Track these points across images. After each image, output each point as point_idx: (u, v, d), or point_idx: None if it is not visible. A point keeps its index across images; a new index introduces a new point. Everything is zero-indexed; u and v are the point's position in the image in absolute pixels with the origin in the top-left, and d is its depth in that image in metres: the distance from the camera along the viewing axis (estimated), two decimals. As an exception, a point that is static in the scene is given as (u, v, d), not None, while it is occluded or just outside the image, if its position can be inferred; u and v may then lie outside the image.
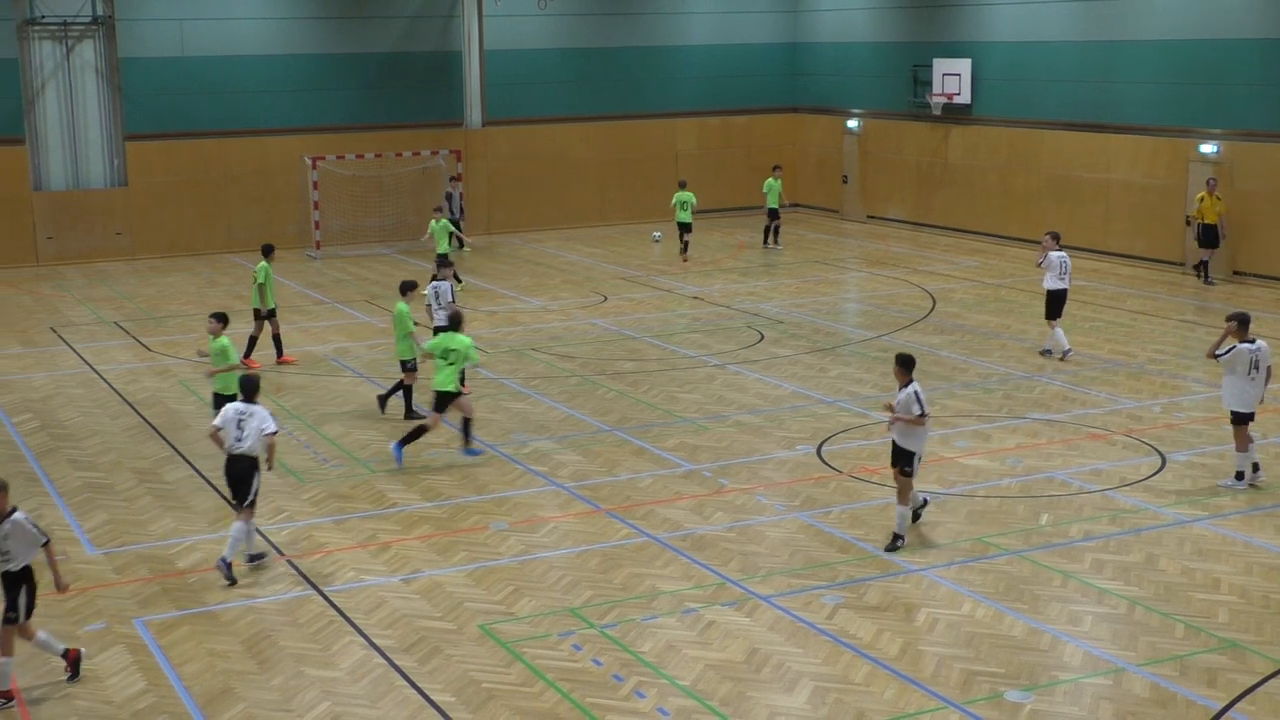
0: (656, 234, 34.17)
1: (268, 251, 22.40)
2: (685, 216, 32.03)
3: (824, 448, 17.67)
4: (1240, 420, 15.79)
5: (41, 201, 32.77)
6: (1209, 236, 27.95)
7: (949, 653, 11.89)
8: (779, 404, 19.75)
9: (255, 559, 14.09)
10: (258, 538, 14.42)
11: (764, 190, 33.76)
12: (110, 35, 32.89)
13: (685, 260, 31.93)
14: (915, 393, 13.94)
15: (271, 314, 22.19)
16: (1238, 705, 10.92)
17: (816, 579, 13.51)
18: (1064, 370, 21.36)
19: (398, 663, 11.86)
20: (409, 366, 19.03)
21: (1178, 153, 29.46)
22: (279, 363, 22.31)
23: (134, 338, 24.88)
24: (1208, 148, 28.77)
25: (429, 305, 20.27)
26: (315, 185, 34.00)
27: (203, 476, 16.90)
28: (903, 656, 11.83)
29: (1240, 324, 15.67)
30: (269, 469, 14.08)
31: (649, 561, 14.01)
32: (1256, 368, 15.65)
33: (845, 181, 38.58)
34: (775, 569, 13.78)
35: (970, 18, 34.59)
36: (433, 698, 11.23)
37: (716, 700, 11.12)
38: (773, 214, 33.62)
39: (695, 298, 27.66)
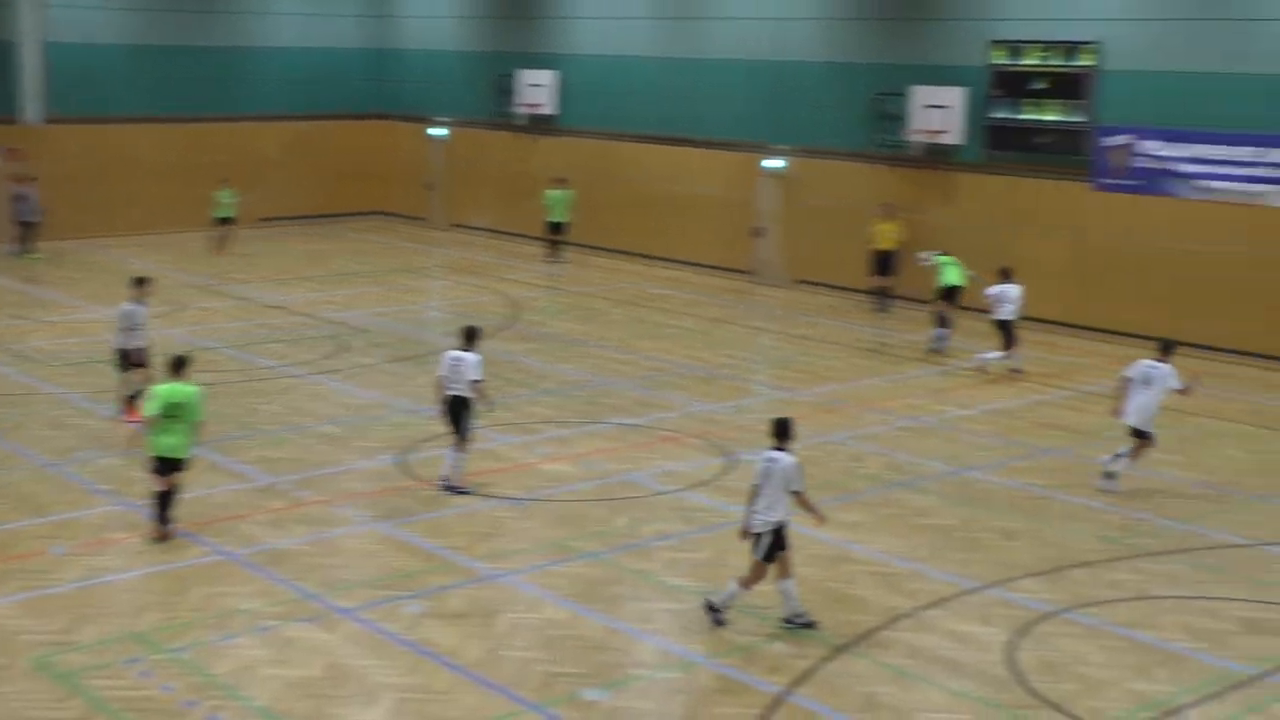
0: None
1: None
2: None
3: (407, 457, 17.55)
4: None
5: None
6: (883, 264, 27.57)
7: (529, 656, 12.02)
8: (361, 414, 19.47)
9: None
10: None
11: (547, 204, 32.66)
12: None
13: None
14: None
15: None
16: (798, 689, 11.55)
17: (399, 589, 13.38)
18: (642, 375, 22.07)
19: (-61, 704, 10.93)
20: None
21: (750, 167, 31.00)
22: None
23: None
24: (773, 163, 30.42)
25: (121, 328, 18.52)
26: None
27: None
28: (484, 662, 11.87)
29: None
30: None
31: (224, 579, 13.49)
32: None
33: (430, 189, 38.53)
34: (356, 581, 13.56)
35: (555, 30, 35.27)
36: (-20, 738, 10.41)
37: (295, 719, 10.82)
38: (555, 228, 32.60)
39: (276, 307, 26.90)
